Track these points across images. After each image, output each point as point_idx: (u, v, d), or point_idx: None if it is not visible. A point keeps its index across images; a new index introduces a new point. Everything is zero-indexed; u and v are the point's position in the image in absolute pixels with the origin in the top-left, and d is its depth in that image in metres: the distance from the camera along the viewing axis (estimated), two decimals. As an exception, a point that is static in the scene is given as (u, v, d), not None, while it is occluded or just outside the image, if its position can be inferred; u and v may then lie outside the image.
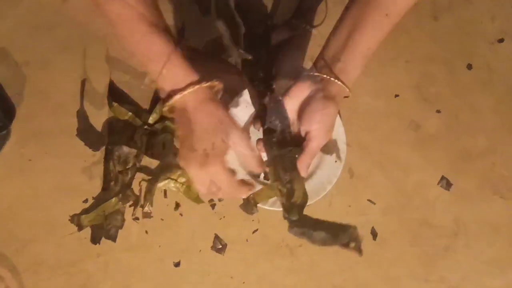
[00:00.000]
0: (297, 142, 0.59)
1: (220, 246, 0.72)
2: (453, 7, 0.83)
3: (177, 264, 0.71)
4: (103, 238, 0.70)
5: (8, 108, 0.73)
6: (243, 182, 0.57)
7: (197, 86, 0.53)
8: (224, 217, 0.73)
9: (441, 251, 0.74)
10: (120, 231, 0.70)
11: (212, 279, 0.71)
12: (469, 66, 0.81)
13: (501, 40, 0.82)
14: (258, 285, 0.71)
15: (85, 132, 0.72)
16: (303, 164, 0.59)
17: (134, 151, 0.70)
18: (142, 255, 0.71)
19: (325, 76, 0.58)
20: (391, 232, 0.74)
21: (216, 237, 0.72)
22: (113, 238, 0.69)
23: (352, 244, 0.55)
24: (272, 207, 0.70)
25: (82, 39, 0.77)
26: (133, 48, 0.53)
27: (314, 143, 0.59)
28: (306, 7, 0.76)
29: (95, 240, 0.69)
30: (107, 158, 0.71)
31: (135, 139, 0.71)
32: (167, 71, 0.52)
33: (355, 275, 0.72)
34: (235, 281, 0.71)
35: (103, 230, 0.69)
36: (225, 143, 0.54)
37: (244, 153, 0.56)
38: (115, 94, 0.75)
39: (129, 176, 0.70)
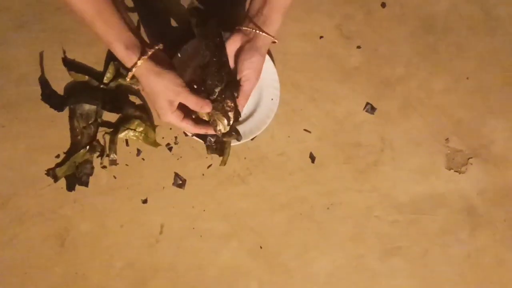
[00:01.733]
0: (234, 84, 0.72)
1: (180, 182, 0.83)
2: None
3: (144, 201, 0.82)
4: (77, 186, 0.80)
5: (-23, 83, 0.81)
6: (194, 122, 0.71)
7: (141, 60, 0.64)
8: (181, 157, 0.84)
9: (371, 165, 0.87)
10: (91, 178, 0.81)
11: (176, 211, 0.82)
12: (383, 5, 0.92)
13: (409, -21, 0.93)
14: (217, 211, 0.83)
15: (49, 96, 0.82)
16: (240, 103, 0.72)
17: (94, 107, 0.80)
18: (113, 197, 0.82)
19: (251, 29, 0.71)
20: (327, 154, 0.86)
21: (176, 175, 0.83)
22: (86, 184, 0.80)
23: None
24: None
25: (36, 16, 0.85)
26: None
27: (246, 86, 0.72)
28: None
29: (70, 187, 0.80)
30: (71, 116, 0.81)
31: (94, 97, 0.80)
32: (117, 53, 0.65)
33: (299, 193, 0.85)
34: (197, 210, 0.83)
35: (76, 178, 0.80)
36: (173, 102, 0.67)
37: (192, 104, 0.69)
38: (70, 64, 0.84)
39: (93, 130, 0.80)
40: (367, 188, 0.86)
